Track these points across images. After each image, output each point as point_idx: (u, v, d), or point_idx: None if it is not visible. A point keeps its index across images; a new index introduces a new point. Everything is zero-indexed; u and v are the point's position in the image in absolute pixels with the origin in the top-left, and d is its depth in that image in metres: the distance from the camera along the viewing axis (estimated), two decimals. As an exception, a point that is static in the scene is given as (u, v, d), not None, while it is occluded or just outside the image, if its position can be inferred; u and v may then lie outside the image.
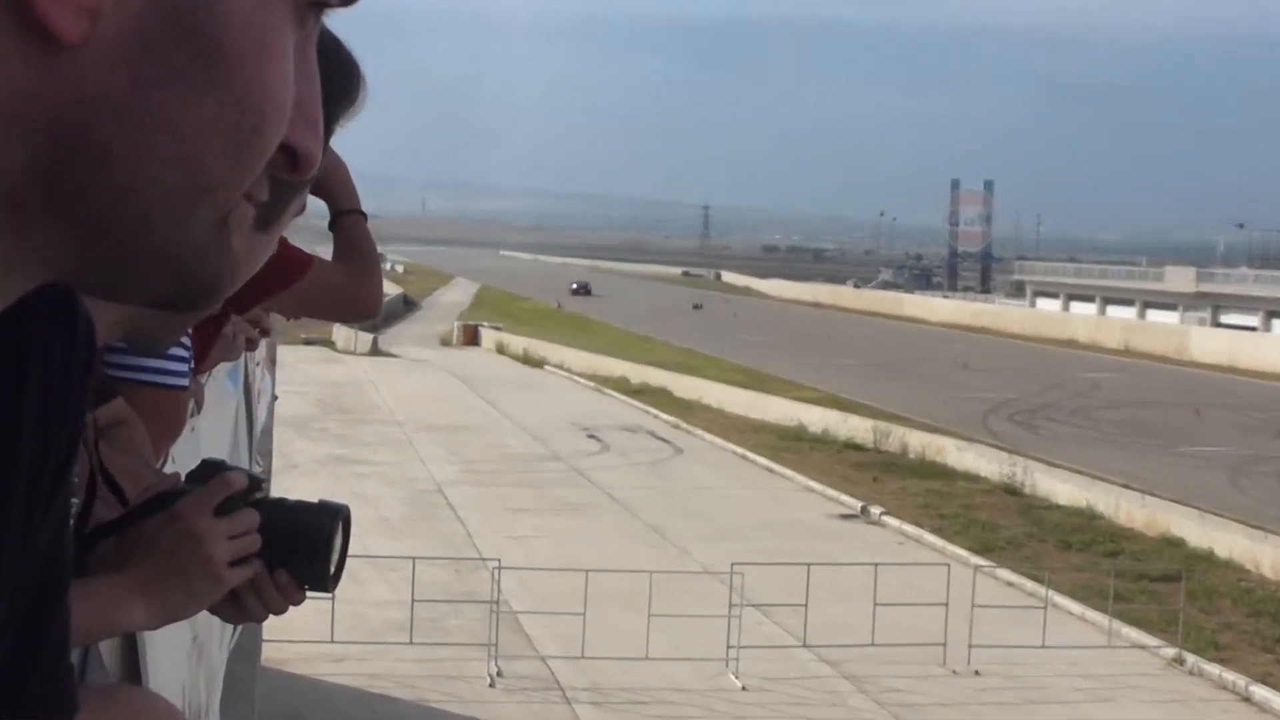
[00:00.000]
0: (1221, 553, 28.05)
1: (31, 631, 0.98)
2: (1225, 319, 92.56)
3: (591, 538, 27.97)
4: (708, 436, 43.14)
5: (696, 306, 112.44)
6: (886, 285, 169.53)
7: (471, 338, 76.21)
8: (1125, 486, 33.62)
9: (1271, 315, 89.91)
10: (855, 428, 41.91)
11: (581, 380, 58.38)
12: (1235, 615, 24.55)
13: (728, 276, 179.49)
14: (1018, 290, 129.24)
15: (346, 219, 3.00)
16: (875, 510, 32.03)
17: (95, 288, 0.80)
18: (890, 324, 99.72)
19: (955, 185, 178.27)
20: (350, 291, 3.04)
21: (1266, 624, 23.99)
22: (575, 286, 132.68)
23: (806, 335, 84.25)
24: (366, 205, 3.06)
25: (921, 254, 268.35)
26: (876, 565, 21.77)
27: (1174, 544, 28.87)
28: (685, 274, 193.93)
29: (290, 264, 2.91)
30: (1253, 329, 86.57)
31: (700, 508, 32.09)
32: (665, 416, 47.05)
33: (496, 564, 20.94)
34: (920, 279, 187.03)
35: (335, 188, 2.95)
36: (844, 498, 33.49)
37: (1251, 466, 39.48)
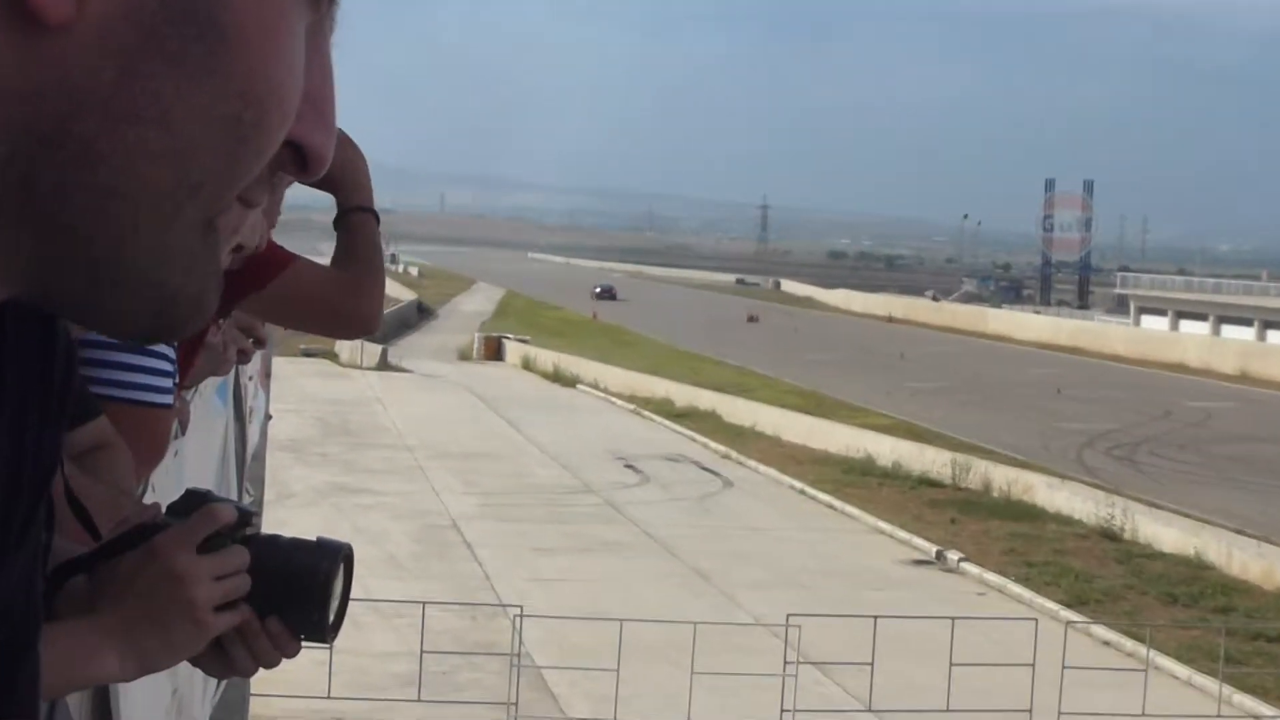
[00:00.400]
0: (1351, 611, 27.86)
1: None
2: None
3: (627, 582, 27.95)
4: (762, 468, 43.06)
5: (751, 319, 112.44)
6: (970, 298, 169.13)
7: (494, 351, 76.34)
8: (1239, 532, 33.38)
9: None
10: (931, 461, 41.74)
11: (619, 402, 58.41)
12: (1366, 683, 24.37)
13: (787, 285, 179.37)
14: (1120, 306, 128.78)
15: (354, 217, 2.94)
16: (953, 556, 31.90)
17: (65, 304, 0.79)
18: (973, 342, 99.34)
19: (1050, 185, 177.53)
20: (340, 303, 2.95)
21: (1400, 693, 23.81)
22: (599, 290, 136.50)
23: (877, 354, 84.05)
24: (376, 199, 2.99)
25: (1010, 263, 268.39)
26: (953, 619, 21.66)
27: (1295, 600, 28.69)
28: (739, 282, 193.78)
29: (266, 261, 2.85)
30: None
31: (752, 550, 32.02)
32: (713, 444, 46.98)
33: (518, 611, 20.91)
34: (1008, 291, 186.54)
35: (346, 181, 2.89)
36: (917, 541, 33.37)
37: (1388, 513, 39.16)
